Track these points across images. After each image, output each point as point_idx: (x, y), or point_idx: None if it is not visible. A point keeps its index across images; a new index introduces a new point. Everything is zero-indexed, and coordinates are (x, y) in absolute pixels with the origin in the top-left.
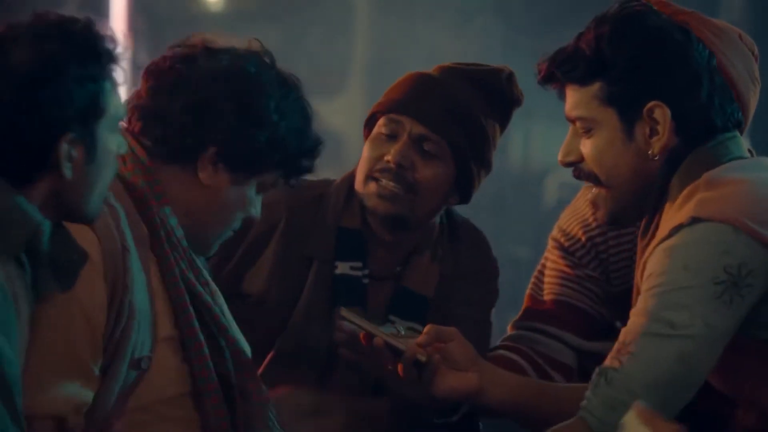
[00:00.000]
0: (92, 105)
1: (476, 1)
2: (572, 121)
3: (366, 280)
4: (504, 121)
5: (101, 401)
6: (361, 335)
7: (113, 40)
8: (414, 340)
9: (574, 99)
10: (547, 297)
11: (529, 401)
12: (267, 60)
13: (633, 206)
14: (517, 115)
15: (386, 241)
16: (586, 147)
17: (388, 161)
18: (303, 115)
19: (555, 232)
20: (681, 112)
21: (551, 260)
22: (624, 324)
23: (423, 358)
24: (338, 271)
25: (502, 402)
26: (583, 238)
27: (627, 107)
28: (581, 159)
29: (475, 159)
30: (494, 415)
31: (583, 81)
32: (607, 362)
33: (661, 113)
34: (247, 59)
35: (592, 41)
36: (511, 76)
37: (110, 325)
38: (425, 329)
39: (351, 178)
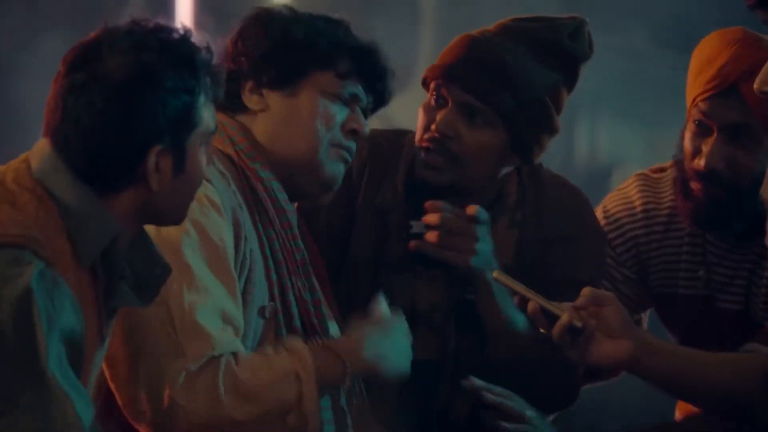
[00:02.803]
0: (185, 117)
1: None
2: None
3: None
4: (569, 79)
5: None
6: (516, 298)
7: (209, 52)
8: (569, 304)
9: None
10: None
11: (683, 370)
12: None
13: None
14: (583, 109)
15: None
16: None
17: (432, 130)
18: (320, 21)
19: (598, 214)
20: None
21: None
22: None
23: (579, 324)
24: (414, 230)
25: (656, 371)
26: (627, 230)
27: None
28: None
29: (531, 125)
30: (649, 382)
31: None
32: None
33: None
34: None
35: None
36: (577, 29)
37: (237, 270)
38: (582, 291)
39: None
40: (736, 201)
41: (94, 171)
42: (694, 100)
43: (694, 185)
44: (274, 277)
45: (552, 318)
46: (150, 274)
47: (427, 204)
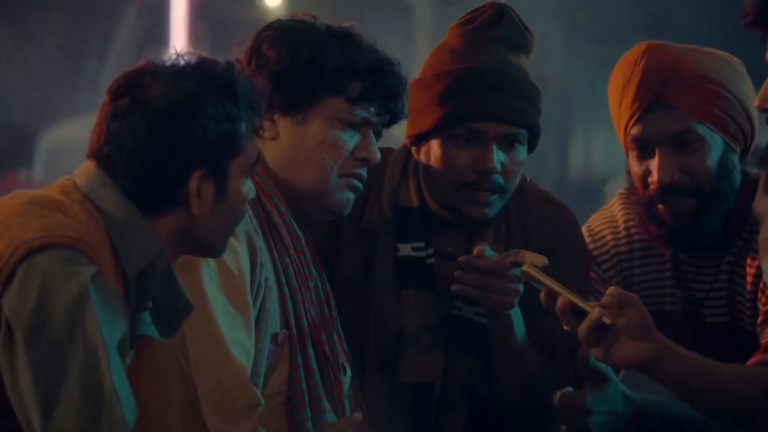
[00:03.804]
0: (226, 144)
1: (537, 7)
2: None
3: (431, 260)
4: (528, 49)
5: (253, 377)
6: (543, 293)
7: (253, 86)
8: (598, 302)
9: None
10: None
11: (700, 378)
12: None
13: None
14: (578, 122)
15: (447, 219)
16: None
17: (485, 171)
18: (333, 40)
19: (584, 235)
20: None
21: None
22: None
23: (609, 321)
24: (400, 253)
25: (672, 375)
26: (611, 247)
27: None
28: None
29: (539, 114)
30: (663, 386)
31: None
32: None
33: None
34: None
35: None
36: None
37: (252, 297)
38: (608, 291)
39: (406, 152)
40: (705, 205)
41: (139, 193)
42: (626, 128)
43: (659, 208)
44: (289, 304)
45: (580, 315)
46: (172, 310)
47: (476, 250)
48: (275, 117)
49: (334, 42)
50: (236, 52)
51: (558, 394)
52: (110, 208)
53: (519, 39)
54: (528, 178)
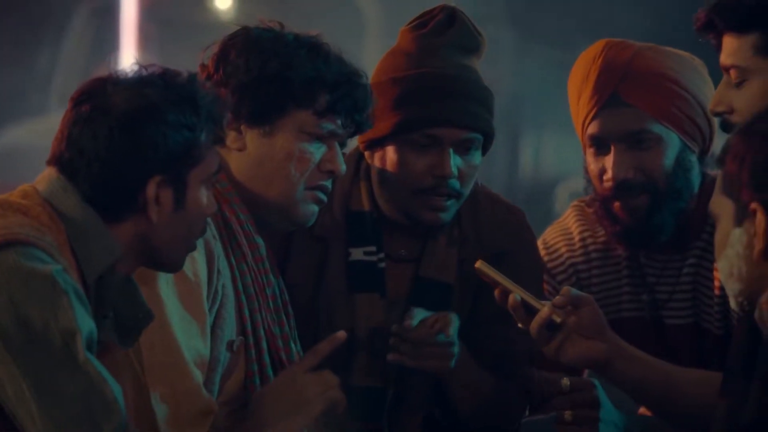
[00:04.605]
0: (186, 153)
1: (487, 9)
2: (726, 69)
3: (382, 264)
4: (480, 52)
5: (208, 384)
6: (496, 291)
7: (216, 96)
8: (550, 301)
9: (731, 47)
10: None
11: (653, 380)
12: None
13: None
14: (528, 125)
15: (399, 222)
16: (739, 98)
17: (440, 176)
18: (301, 51)
19: (540, 248)
20: None
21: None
22: None
23: (558, 320)
24: (352, 257)
25: (626, 376)
26: (566, 259)
27: None
28: (731, 110)
29: (493, 118)
30: (617, 386)
31: (741, 29)
32: None
33: None
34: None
35: None
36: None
37: (209, 304)
38: (562, 290)
39: (357, 156)
40: (658, 202)
41: (99, 198)
42: (583, 125)
43: (615, 205)
44: (246, 312)
45: (531, 312)
46: (132, 318)
47: (406, 323)
48: (242, 128)
49: (303, 53)
50: (202, 57)
51: (565, 379)
52: (71, 213)
53: (471, 42)
54: (479, 182)
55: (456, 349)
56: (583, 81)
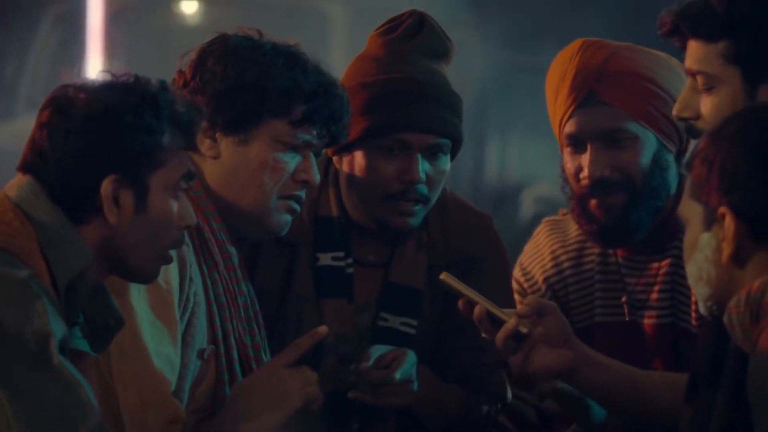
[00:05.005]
0: (144, 154)
1: (452, 14)
2: (692, 75)
3: (350, 269)
4: (449, 57)
5: (178, 391)
6: (461, 302)
7: (186, 103)
8: (514, 311)
9: (698, 53)
10: None
11: (621, 386)
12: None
13: None
14: (493, 129)
15: (368, 227)
16: (706, 104)
17: (409, 181)
18: (279, 61)
19: (516, 271)
20: None
21: (517, 303)
22: None
23: (525, 330)
24: (320, 262)
25: (593, 383)
26: (540, 280)
27: (752, 68)
28: (697, 116)
29: (461, 123)
30: (585, 394)
31: (709, 37)
32: None
33: None
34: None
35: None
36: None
37: (180, 311)
38: (526, 300)
39: (325, 161)
40: (635, 201)
41: (63, 200)
42: (560, 124)
43: (591, 203)
44: (217, 320)
45: (496, 323)
46: (104, 325)
47: (362, 365)
48: (217, 135)
49: (280, 63)
50: (180, 63)
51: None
52: (42, 217)
53: (440, 47)
54: (447, 187)
55: (415, 385)
56: (560, 80)
